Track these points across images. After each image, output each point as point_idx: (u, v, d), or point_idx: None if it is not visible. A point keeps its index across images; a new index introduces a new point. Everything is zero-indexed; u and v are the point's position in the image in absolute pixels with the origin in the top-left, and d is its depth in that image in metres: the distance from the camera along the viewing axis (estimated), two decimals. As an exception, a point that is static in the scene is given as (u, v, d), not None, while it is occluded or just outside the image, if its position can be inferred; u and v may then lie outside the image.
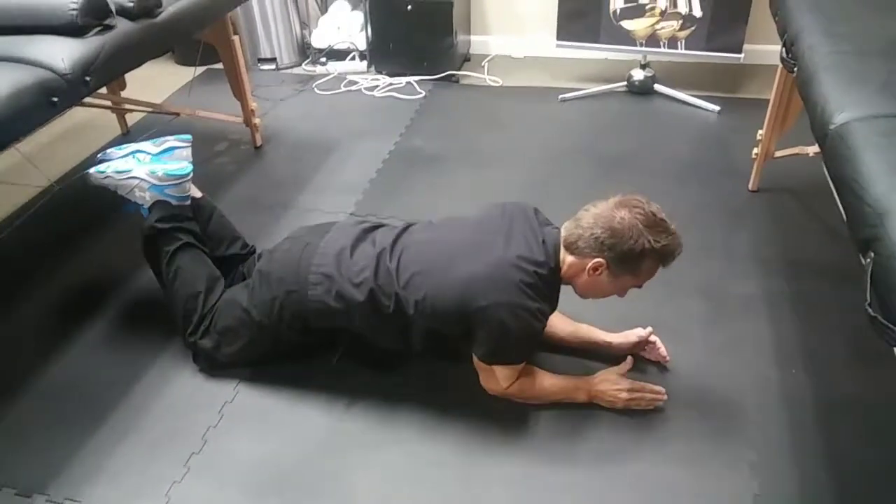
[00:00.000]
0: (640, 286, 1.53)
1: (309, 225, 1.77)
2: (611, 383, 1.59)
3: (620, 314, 1.75)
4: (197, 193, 1.86)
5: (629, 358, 1.64)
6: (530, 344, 1.56)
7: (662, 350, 1.71)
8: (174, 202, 1.75)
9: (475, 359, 1.57)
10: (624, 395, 1.58)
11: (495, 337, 1.49)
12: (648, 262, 1.46)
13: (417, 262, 1.52)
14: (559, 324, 1.73)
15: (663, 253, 1.44)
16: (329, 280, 1.55)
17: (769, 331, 1.80)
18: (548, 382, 1.60)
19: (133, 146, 1.81)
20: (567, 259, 1.50)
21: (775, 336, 1.78)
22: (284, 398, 1.66)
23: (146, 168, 1.74)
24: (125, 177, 1.73)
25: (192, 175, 1.77)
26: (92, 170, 1.77)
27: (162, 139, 1.81)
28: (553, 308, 1.59)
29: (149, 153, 1.78)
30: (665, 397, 1.60)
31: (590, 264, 1.46)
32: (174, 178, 1.74)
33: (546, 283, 1.48)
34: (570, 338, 1.74)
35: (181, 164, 1.76)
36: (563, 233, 1.51)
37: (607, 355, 1.70)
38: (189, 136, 1.84)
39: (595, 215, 1.47)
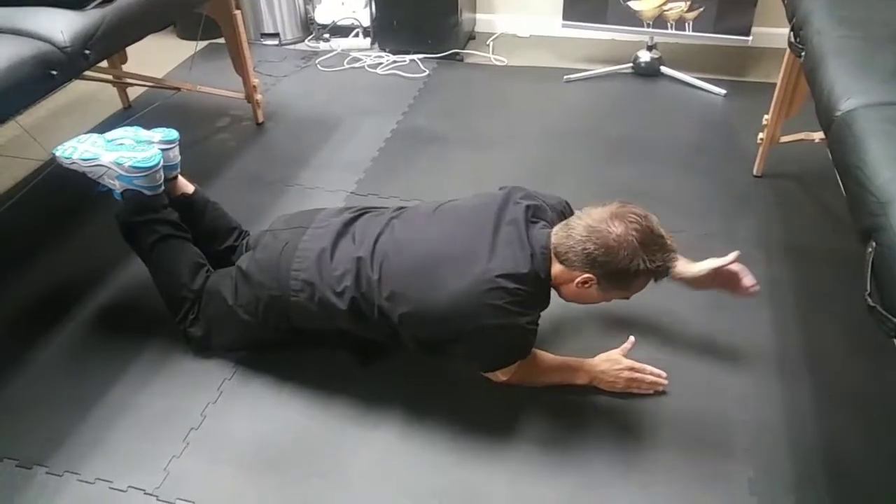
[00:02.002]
0: (627, 298, 1.49)
1: (290, 213, 1.72)
2: (611, 363, 1.59)
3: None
4: (189, 189, 1.81)
5: (631, 338, 1.61)
6: (525, 349, 1.52)
7: (748, 279, 1.54)
8: (147, 192, 1.67)
9: None
10: (625, 374, 1.57)
11: (488, 353, 1.50)
12: (641, 280, 1.41)
13: (399, 275, 1.46)
14: None
15: (658, 272, 1.39)
16: (311, 287, 1.52)
17: (770, 318, 1.79)
18: (548, 366, 1.60)
19: (116, 132, 1.73)
20: (556, 267, 1.43)
21: (776, 323, 1.78)
22: (283, 376, 1.66)
23: (112, 156, 1.66)
24: (92, 164, 1.66)
25: (160, 165, 1.67)
26: (57, 154, 1.69)
27: (149, 135, 1.73)
28: (545, 308, 1.52)
29: (104, 138, 1.70)
30: (666, 382, 1.60)
31: (579, 278, 1.40)
32: (141, 171, 1.64)
33: (533, 295, 1.43)
34: None
35: (147, 153, 1.65)
36: (553, 239, 1.43)
37: (607, 343, 1.69)
38: (176, 135, 1.75)
39: (588, 227, 1.38)
